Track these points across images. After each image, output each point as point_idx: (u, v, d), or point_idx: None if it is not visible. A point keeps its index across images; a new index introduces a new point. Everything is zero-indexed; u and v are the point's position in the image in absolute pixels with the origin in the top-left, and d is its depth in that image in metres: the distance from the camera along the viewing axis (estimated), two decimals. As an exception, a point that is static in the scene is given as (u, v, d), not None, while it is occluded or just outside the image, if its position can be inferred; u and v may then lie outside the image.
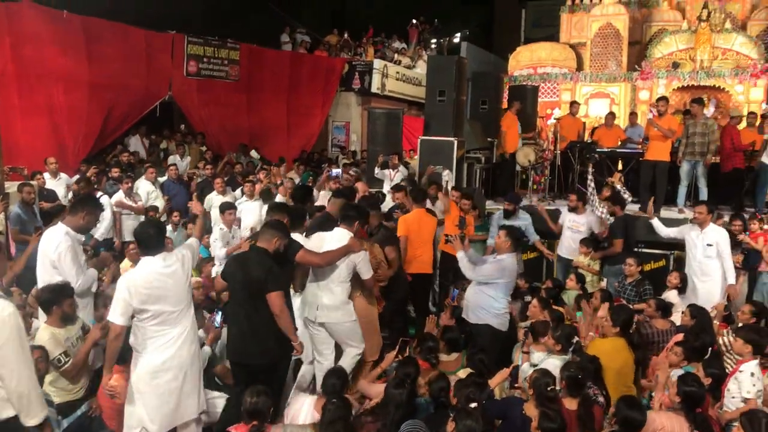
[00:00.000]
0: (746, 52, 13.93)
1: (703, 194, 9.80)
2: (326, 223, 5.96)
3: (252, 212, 8.76)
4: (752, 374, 4.65)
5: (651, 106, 13.84)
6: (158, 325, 4.18)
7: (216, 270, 7.06)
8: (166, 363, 4.20)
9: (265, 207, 7.28)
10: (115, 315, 4.10)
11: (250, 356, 4.68)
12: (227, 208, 8.07)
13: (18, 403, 3.28)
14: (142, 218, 8.80)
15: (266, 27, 21.64)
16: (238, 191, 9.63)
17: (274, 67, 16.06)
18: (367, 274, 5.37)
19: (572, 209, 8.40)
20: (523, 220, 8.55)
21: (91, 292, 5.21)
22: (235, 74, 15.15)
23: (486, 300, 5.96)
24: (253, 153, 13.76)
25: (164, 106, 14.00)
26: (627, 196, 9.09)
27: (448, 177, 9.63)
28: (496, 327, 5.95)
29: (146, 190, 9.62)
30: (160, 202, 9.56)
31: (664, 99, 9.95)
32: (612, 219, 8.07)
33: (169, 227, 8.42)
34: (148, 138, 13.61)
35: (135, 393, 4.21)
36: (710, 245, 7.06)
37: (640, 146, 11.06)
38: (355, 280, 5.42)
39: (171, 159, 12.21)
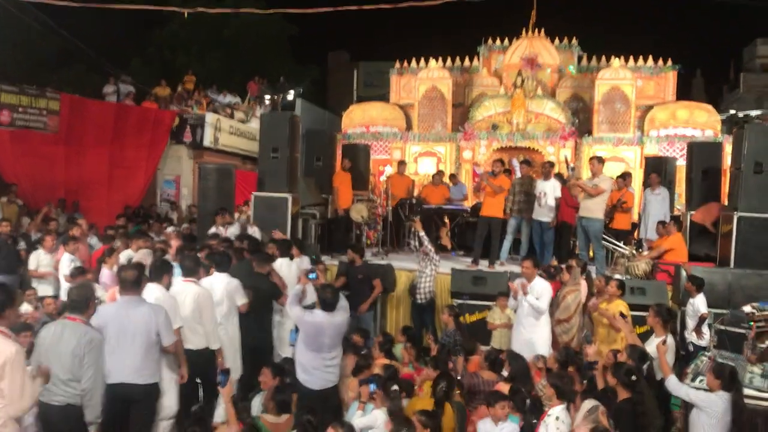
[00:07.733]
0: (556, 117, 15.28)
1: (524, 248, 10.47)
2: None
3: None
4: (557, 418, 4.90)
5: (474, 164, 14.81)
6: None
7: None
8: None
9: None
10: None
11: None
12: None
13: None
14: None
15: (89, 77, 20.60)
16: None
17: (97, 119, 15.25)
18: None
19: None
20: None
21: None
22: (54, 125, 14.20)
23: (296, 352, 5.78)
24: None
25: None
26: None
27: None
28: (302, 383, 5.61)
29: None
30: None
31: (500, 161, 10.68)
32: None
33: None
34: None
35: None
36: (537, 299, 7.37)
37: (465, 203, 11.69)
38: None
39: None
